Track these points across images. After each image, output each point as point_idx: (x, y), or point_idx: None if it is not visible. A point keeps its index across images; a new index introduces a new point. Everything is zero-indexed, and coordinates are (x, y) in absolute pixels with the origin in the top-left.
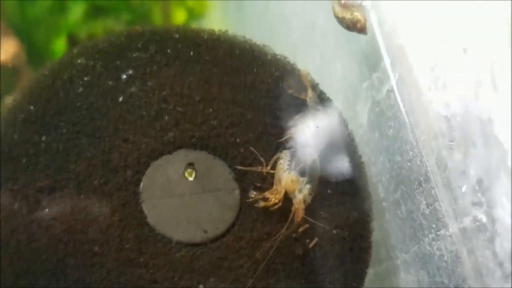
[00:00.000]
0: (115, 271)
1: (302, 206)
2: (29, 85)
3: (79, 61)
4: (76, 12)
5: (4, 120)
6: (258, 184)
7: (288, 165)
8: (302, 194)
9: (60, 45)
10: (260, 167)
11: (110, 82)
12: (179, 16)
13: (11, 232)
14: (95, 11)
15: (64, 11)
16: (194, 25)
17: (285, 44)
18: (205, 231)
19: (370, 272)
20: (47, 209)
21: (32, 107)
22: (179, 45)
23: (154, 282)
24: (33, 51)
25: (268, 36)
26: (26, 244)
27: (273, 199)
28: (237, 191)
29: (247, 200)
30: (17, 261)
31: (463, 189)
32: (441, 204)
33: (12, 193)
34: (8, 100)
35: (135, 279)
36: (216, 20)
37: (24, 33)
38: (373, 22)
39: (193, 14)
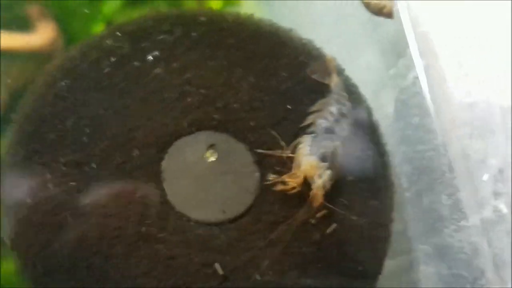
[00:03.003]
0: (134, 245)
1: (320, 191)
2: (61, 62)
3: (107, 41)
4: (112, 2)
5: (36, 94)
6: (278, 168)
7: (309, 150)
8: (321, 179)
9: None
10: (279, 151)
11: (136, 63)
12: (214, 4)
13: (36, 204)
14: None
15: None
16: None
17: (313, 30)
18: (224, 212)
19: (391, 263)
20: (71, 184)
21: (63, 83)
22: (204, 29)
23: (171, 257)
24: (70, 38)
25: (298, 22)
26: (49, 215)
27: (291, 183)
28: (256, 174)
29: (265, 183)
30: (41, 232)
31: (484, 179)
32: (462, 194)
33: (39, 166)
34: (40, 74)
35: (152, 254)
36: (251, 7)
37: (61, 21)
38: (400, 7)
39: (228, 1)
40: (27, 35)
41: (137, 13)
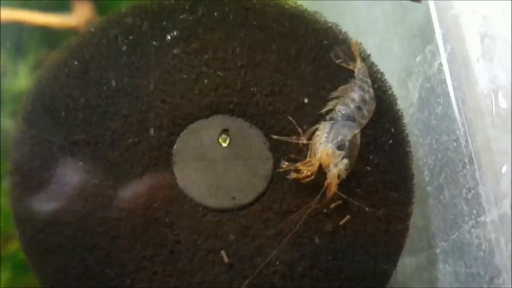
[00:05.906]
0: (140, 228)
1: (335, 181)
2: (76, 41)
3: (126, 20)
4: None
5: (49, 72)
6: (293, 156)
7: (326, 137)
8: (337, 168)
9: None
10: (294, 137)
11: (154, 42)
12: None
13: (43, 182)
14: None
15: None
16: None
17: (340, 14)
18: (234, 198)
19: (412, 261)
20: (80, 162)
21: (76, 63)
22: (227, 9)
23: (177, 242)
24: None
25: (327, 6)
26: (56, 194)
27: (305, 171)
28: (270, 161)
29: (278, 170)
30: (47, 209)
31: (503, 171)
32: (483, 188)
33: (48, 144)
34: (54, 53)
35: (158, 238)
36: None
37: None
38: None
39: None
40: (63, 16)
41: None
